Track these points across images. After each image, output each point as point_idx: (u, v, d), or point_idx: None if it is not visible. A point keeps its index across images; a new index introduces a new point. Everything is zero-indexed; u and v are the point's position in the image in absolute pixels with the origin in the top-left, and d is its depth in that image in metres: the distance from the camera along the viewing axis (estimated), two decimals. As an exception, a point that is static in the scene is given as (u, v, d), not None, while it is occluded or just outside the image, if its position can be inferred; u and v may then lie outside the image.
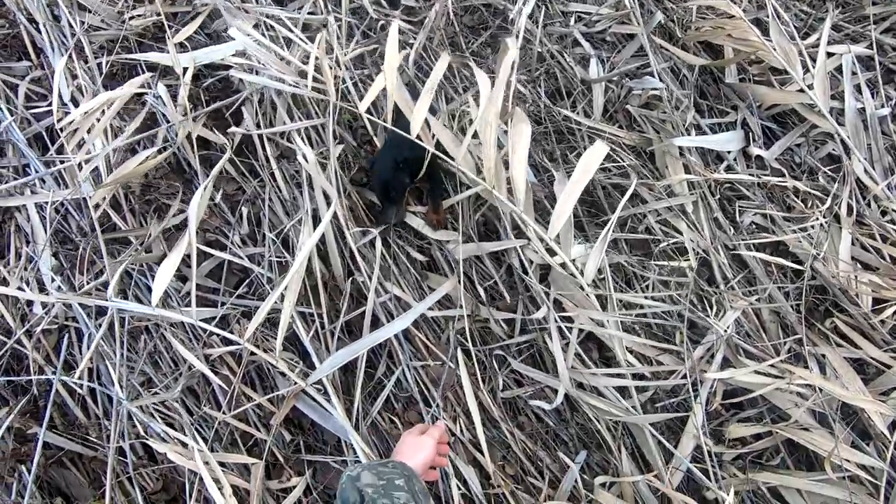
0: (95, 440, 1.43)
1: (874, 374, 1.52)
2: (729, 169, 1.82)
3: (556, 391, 1.49)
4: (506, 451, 1.53)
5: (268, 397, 1.37)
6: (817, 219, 1.66)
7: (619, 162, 1.81)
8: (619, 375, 1.41)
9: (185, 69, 1.74)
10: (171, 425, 1.40)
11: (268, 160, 1.69)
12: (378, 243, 1.59)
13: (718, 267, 1.67)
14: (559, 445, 1.53)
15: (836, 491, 1.37)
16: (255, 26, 1.84)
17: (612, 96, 1.95)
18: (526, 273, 1.56)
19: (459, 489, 1.47)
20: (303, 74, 1.53)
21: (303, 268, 1.37)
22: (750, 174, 1.79)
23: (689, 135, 1.80)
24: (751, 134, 1.89)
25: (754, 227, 1.74)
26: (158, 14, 1.76)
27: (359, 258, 1.51)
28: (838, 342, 1.55)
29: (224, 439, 1.43)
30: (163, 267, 1.24)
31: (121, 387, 1.34)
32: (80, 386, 1.39)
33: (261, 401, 1.37)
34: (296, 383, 1.36)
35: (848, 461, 1.37)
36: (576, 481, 1.44)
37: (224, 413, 1.37)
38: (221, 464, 1.36)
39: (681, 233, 1.71)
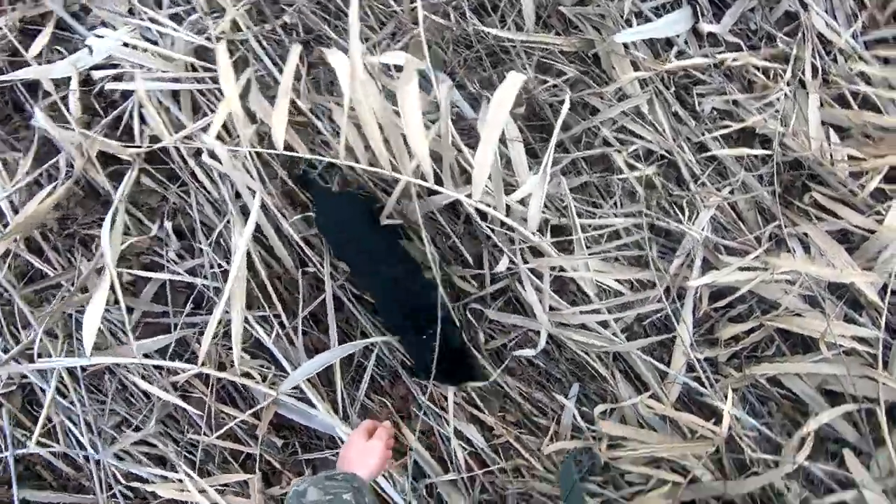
0: (89, 487, 1.40)
1: (859, 240, 1.45)
2: (681, 54, 1.66)
3: (539, 333, 1.43)
4: (503, 400, 1.51)
5: (247, 414, 1.31)
6: (781, 90, 1.52)
7: (562, 75, 1.65)
8: (597, 311, 1.35)
9: (69, 78, 1.55)
10: (157, 458, 1.36)
11: (185, 161, 1.54)
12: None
13: (685, 165, 1.57)
14: (553, 384, 1.50)
15: (834, 368, 1.35)
16: (130, 11, 1.62)
17: (542, 0, 1.75)
18: (484, 220, 1.46)
19: (464, 449, 1.46)
20: (191, 66, 1.35)
21: (243, 271, 1.27)
22: (704, 55, 1.63)
23: (630, 26, 1.62)
24: (698, 8, 1.71)
25: (716, 114, 1.61)
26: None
27: (304, 246, 1.41)
28: (819, 216, 1.47)
29: (217, 458, 1.40)
30: (88, 313, 1.14)
31: (91, 437, 1.29)
32: (52, 443, 1.34)
33: (242, 417, 1.32)
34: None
35: (843, 336, 1.34)
36: (574, 416, 1.43)
37: (206, 436, 1.32)
38: (224, 485, 1.34)
39: (641, 137, 1.59)
